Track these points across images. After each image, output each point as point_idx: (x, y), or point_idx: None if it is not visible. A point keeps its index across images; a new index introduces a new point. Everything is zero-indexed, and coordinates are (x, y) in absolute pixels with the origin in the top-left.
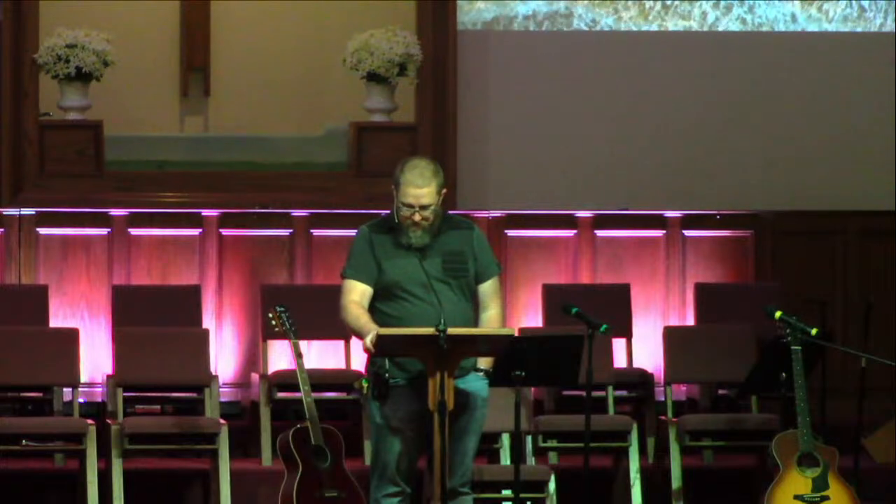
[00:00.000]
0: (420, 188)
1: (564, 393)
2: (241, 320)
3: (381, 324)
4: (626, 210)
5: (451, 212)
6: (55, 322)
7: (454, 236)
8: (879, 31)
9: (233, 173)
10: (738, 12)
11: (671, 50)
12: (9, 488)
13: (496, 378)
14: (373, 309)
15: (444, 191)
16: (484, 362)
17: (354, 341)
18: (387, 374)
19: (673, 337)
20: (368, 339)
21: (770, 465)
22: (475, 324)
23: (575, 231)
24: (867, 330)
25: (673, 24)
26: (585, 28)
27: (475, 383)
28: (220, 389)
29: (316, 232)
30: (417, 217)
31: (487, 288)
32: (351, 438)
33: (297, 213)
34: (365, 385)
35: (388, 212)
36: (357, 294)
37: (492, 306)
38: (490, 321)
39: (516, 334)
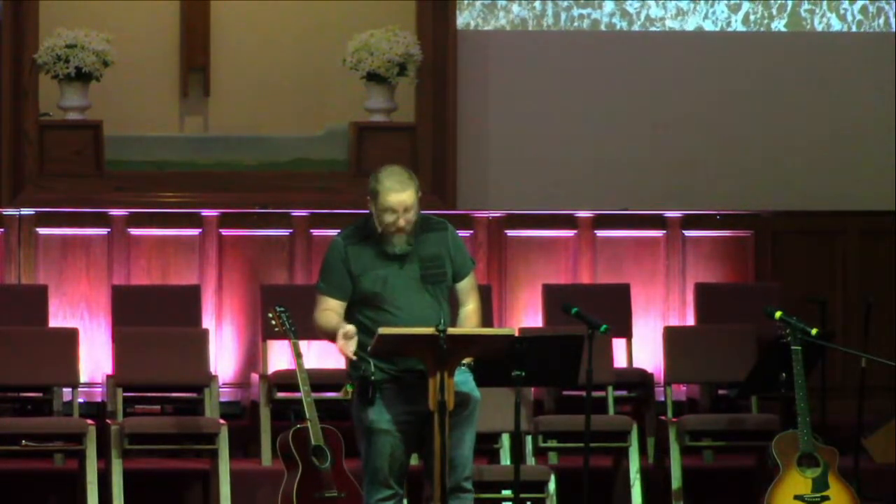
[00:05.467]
0: (401, 192)
1: (564, 393)
2: (241, 320)
3: (362, 333)
4: (626, 210)
5: (453, 212)
6: (55, 322)
7: (431, 239)
8: (879, 31)
9: (233, 173)
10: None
11: (671, 50)
12: (9, 488)
13: (496, 378)
14: (353, 318)
15: (420, 194)
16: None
17: None
18: (372, 377)
19: (673, 337)
20: (341, 333)
21: (770, 465)
22: (454, 323)
23: (575, 231)
24: (867, 330)
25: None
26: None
27: (459, 377)
28: (220, 389)
29: (316, 232)
30: (402, 222)
31: (464, 285)
32: (351, 438)
33: (297, 213)
34: (350, 390)
35: (366, 212)
36: (329, 307)
37: (469, 301)
38: (468, 316)
39: (516, 334)
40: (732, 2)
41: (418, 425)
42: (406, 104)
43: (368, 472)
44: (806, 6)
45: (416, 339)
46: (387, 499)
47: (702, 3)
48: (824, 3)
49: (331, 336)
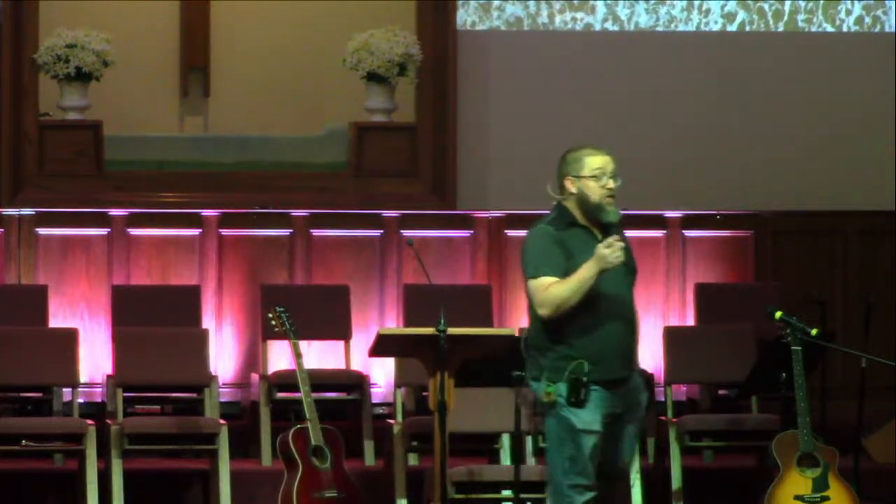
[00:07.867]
0: (604, 154)
1: None
2: (241, 320)
3: (573, 338)
4: (627, 210)
5: (453, 212)
6: (55, 322)
7: (618, 233)
8: (879, 32)
9: (233, 173)
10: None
11: (671, 50)
12: (9, 488)
13: (496, 378)
14: (560, 324)
15: None
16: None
17: (354, 342)
18: (585, 378)
19: (673, 337)
20: (607, 249)
21: (770, 466)
22: None
23: None
24: (867, 330)
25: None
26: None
27: (641, 380)
28: (220, 389)
29: (316, 232)
30: (612, 184)
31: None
32: (351, 438)
33: (297, 213)
34: (551, 391)
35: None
36: (553, 283)
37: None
38: (637, 322)
39: (516, 334)
40: (727, 10)
41: (611, 426)
42: (406, 104)
43: (571, 475)
44: (802, 16)
45: (417, 340)
46: (591, 502)
47: (695, 13)
48: (820, 13)
49: (580, 287)
